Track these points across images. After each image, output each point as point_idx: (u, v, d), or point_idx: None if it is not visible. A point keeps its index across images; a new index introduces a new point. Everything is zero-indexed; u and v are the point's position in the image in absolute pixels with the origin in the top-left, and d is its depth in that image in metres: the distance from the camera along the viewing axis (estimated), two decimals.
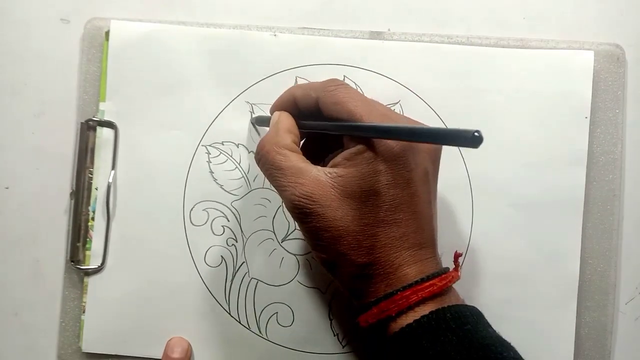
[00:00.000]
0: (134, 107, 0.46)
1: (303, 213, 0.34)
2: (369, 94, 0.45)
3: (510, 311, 0.45)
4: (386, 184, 0.34)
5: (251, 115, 0.46)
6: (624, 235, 0.45)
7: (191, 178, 0.46)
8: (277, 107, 0.41)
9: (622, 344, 0.45)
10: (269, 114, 0.41)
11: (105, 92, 0.46)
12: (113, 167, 0.46)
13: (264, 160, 0.37)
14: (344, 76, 0.46)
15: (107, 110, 0.46)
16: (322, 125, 0.37)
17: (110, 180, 0.46)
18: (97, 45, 0.47)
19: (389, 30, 0.46)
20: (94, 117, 0.46)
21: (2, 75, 0.48)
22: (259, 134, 0.46)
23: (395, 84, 0.46)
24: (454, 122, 0.45)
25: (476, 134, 0.26)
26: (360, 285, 0.35)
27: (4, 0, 0.48)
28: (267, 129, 0.40)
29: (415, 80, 0.46)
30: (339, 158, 0.35)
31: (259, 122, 0.45)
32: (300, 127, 0.39)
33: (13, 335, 0.47)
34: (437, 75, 0.46)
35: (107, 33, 0.47)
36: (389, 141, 0.33)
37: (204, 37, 0.46)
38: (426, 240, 0.35)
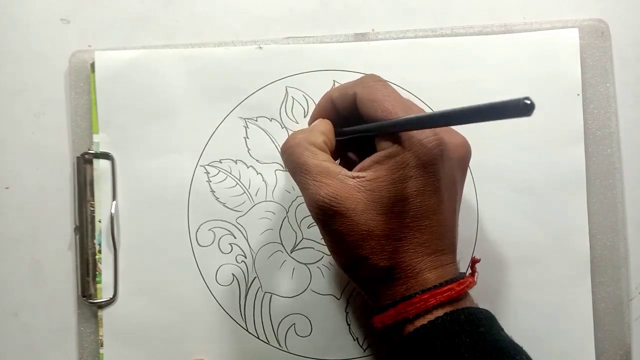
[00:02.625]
0: (128, 136, 0.46)
1: (326, 214, 0.34)
2: None
3: (525, 295, 0.45)
4: (415, 191, 0.33)
5: (245, 130, 0.46)
6: (627, 208, 0.45)
7: (193, 199, 0.46)
8: (316, 115, 0.40)
9: None
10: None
11: (97, 123, 0.46)
12: (114, 198, 0.46)
13: (291, 153, 0.36)
14: (334, 81, 0.46)
15: (102, 141, 0.46)
16: (358, 128, 0.36)
17: (113, 211, 0.46)
18: (83, 78, 0.47)
19: (373, 30, 0.46)
20: (89, 150, 0.46)
21: (2, 75, 0.48)
22: None
23: None
24: None
25: (526, 101, 0.24)
26: (379, 288, 0.35)
27: (4, 0, 0.48)
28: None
29: (405, 76, 0.46)
30: (367, 161, 0.34)
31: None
32: (337, 134, 0.38)
33: (13, 335, 0.47)
34: (426, 69, 0.46)
35: (92, 65, 0.46)
36: (420, 148, 0.33)
37: (189, 58, 0.46)
38: (448, 246, 0.35)
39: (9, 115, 0.48)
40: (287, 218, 0.46)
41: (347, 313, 0.45)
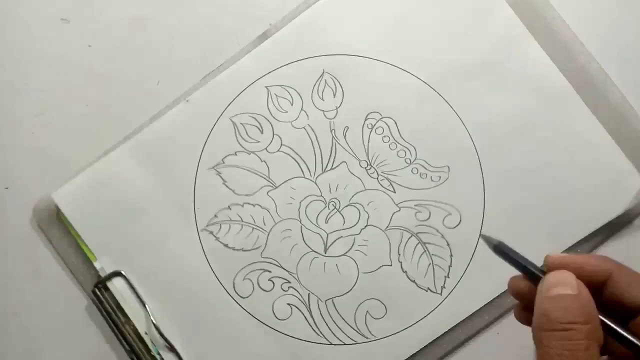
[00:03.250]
0: (124, 246, 0.46)
1: None
2: (296, 84, 0.46)
3: (538, 158, 0.45)
4: None
5: (220, 176, 0.46)
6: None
7: (213, 262, 0.46)
8: (569, 266, 0.29)
9: None
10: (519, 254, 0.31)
11: (91, 252, 0.46)
12: (144, 306, 0.45)
13: (568, 338, 0.25)
14: (267, 87, 0.46)
15: (105, 265, 0.46)
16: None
17: (153, 319, 0.45)
18: (55, 220, 0.47)
19: (270, 24, 0.47)
20: (99, 279, 0.46)
21: (2, 75, 0.48)
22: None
23: (307, 60, 0.46)
24: (376, 53, 0.46)
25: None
26: None
27: (4, 0, 0.48)
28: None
29: (318, 45, 0.46)
30: None
31: (502, 254, 0.31)
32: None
33: (13, 335, 0.46)
34: (328, 29, 0.46)
35: (57, 207, 0.46)
36: None
37: (132, 148, 0.46)
38: None
39: (9, 115, 0.48)
40: (303, 226, 0.46)
41: (405, 272, 0.45)
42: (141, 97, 0.47)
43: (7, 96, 0.48)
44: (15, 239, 0.47)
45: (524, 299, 0.31)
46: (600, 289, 0.29)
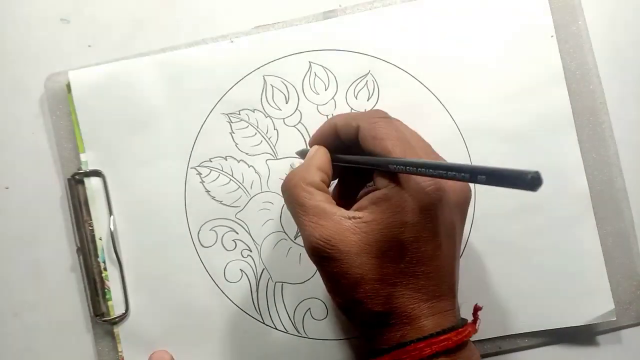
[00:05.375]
0: (114, 150, 0.46)
1: (320, 256, 0.34)
2: (338, 72, 0.46)
3: (531, 242, 0.45)
4: (411, 237, 0.32)
5: (230, 125, 0.46)
6: (617, 140, 0.45)
7: (189, 202, 0.46)
8: (317, 138, 0.39)
9: None
10: (308, 147, 0.40)
11: (82, 143, 0.46)
12: (110, 214, 0.46)
13: (289, 194, 0.36)
14: (310, 62, 0.46)
15: (90, 160, 0.46)
16: (354, 159, 0.36)
17: (112, 227, 0.46)
18: (61, 99, 0.47)
19: (340, 6, 0.46)
20: (78, 170, 0.46)
21: (2, 75, 0.48)
22: None
23: (360, 55, 0.46)
24: (427, 78, 0.45)
25: (533, 175, 0.22)
26: (375, 332, 0.34)
27: (4, 0, 0.48)
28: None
29: (379, 46, 0.46)
30: (365, 201, 0.34)
31: (301, 155, 0.44)
32: (334, 160, 0.38)
33: (13, 335, 0.47)
34: (398, 35, 0.46)
35: (68, 85, 0.46)
36: (418, 192, 0.32)
37: (163, 63, 0.46)
38: (446, 292, 0.34)
39: (9, 115, 0.48)
40: (285, 205, 0.46)
41: None
42: None
43: (7, 96, 0.48)
44: (16, 239, 0.47)
45: None
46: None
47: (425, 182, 0.32)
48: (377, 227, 0.33)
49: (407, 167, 0.31)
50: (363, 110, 0.37)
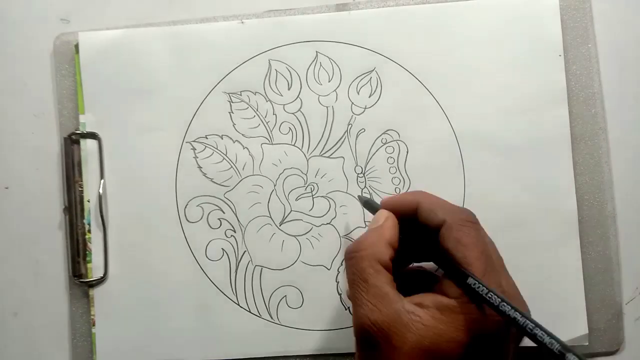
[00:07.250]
0: (114, 115, 0.46)
1: (367, 341, 0.32)
2: (344, 65, 0.46)
3: (514, 258, 0.44)
4: (462, 354, 0.31)
5: (230, 105, 0.46)
6: (613, 168, 0.45)
7: (180, 176, 0.46)
8: (392, 204, 0.38)
9: (629, 276, 0.45)
10: (378, 203, 0.39)
11: (83, 104, 0.46)
12: (102, 177, 0.46)
13: (355, 264, 0.34)
14: (317, 52, 0.46)
15: (88, 122, 0.46)
16: (436, 256, 0.35)
17: (101, 191, 0.46)
18: (68, 59, 0.47)
19: (354, 0, 0.47)
20: (75, 130, 0.46)
21: (1, 75, 0.48)
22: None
23: (367, 51, 0.46)
24: (431, 82, 0.45)
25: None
26: None
27: (4, 0, 0.49)
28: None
29: (387, 45, 0.46)
30: (428, 300, 0.32)
31: (365, 204, 0.43)
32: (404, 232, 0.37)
33: (13, 335, 0.47)
34: (408, 37, 0.46)
35: (77, 46, 0.47)
36: (487, 320, 0.31)
37: (172, 35, 0.46)
38: None
39: (9, 115, 0.48)
40: (274, 191, 0.46)
41: (337, 283, 0.45)
42: None
43: (7, 96, 0.48)
44: (16, 239, 0.48)
45: None
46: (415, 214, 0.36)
47: (500, 319, 0.31)
48: (434, 336, 0.31)
49: (486, 297, 0.31)
50: (448, 203, 0.36)
